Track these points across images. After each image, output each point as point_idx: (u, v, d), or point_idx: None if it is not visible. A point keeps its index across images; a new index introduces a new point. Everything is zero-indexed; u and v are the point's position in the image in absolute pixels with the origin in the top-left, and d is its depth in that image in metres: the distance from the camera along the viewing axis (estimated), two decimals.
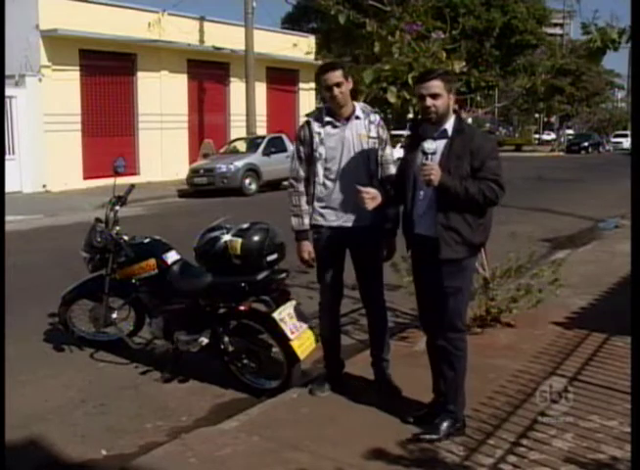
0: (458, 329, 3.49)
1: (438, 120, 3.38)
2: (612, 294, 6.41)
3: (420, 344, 4.91)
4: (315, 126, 3.95)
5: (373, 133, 3.96)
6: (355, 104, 4.00)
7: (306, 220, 4.01)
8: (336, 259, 4.06)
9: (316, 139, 3.92)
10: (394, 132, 18.36)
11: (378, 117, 4.02)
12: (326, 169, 3.94)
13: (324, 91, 3.91)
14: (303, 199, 4.02)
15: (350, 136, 3.93)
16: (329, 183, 3.95)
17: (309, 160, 3.97)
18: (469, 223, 3.37)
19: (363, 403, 3.96)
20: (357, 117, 3.96)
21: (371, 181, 3.93)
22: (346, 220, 3.96)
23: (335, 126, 3.94)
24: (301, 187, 4.02)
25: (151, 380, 4.68)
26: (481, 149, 3.32)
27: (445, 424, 3.48)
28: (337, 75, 3.85)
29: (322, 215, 4.00)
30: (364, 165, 3.94)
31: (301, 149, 4.01)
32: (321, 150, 3.92)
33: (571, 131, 51.96)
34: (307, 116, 4.16)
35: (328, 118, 3.94)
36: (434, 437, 3.45)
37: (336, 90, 3.83)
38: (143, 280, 4.73)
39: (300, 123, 4.07)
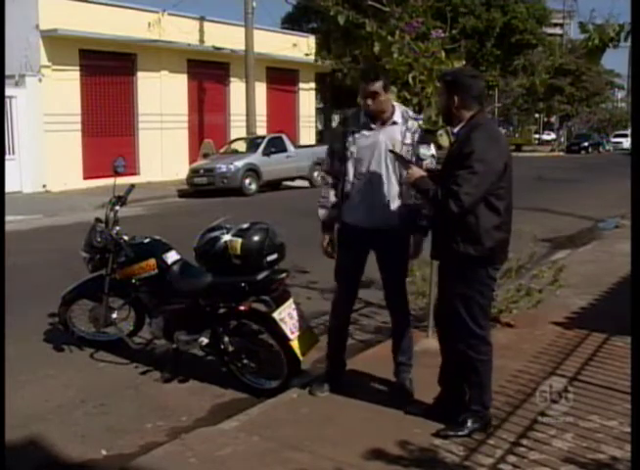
0: (476, 335, 3.48)
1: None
2: (612, 294, 6.41)
3: (420, 344, 4.92)
4: (351, 125, 3.97)
5: (408, 140, 3.90)
6: (397, 109, 3.94)
7: (332, 212, 4.02)
8: (356, 260, 4.04)
9: (349, 138, 3.92)
10: None
11: (416, 125, 3.96)
12: (356, 169, 3.93)
13: (360, 97, 3.89)
14: (332, 191, 4.03)
15: (383, 141, 3.88)
16: (357, 183, 3.94)
17: (341, 157, 3.97)
18: (449, 231, 3.39)
19: (363, 403, 3.95)
20: (394, 123, 3.91)
21: (400, 187, 3.91)
22: (372, 222, 3.92)
23: (370, 129, 3.92)
24: (332, 179, 4.04)
25: (151, 380, 4.68)
26: (461, 156, 3.30)
27: (470, 421, 3.51)
28: (375, 86, 3.79)
29: (349, 214, 3.99)
30: (394, 171, 3.89)
31: (334, 145, 4.04)
32: (352, 149, 3.92)
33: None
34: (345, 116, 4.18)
35: (364, 119, 3.94)
36: (460, 433, 3.48)
37: (369, 101, 3.81)
38: (143, 280, 4.73)
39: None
